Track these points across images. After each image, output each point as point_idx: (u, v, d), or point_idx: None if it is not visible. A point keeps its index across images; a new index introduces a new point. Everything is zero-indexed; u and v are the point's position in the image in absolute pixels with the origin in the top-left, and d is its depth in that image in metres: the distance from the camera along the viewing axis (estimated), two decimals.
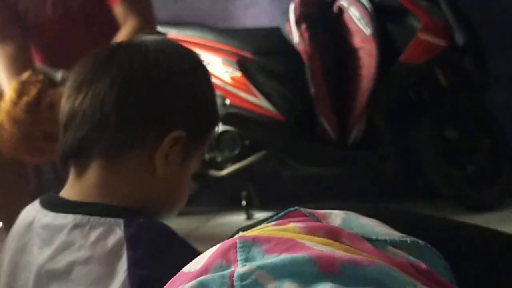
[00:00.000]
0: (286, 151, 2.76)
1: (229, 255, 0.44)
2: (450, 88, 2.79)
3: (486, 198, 2.79)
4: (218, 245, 0.46)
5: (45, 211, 0.80)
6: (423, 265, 0.50)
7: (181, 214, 0.90)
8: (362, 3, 2.74)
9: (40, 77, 1.63)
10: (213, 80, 0.90)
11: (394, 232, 0.56)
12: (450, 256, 0.56)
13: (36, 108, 1.54)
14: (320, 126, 2.72)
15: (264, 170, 2.86)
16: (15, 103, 1.53)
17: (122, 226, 0.73)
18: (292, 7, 2.81)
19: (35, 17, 1.89)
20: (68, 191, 0.82)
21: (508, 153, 2.84)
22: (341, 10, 2.86)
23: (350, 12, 2.79)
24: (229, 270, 0.42)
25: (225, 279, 0.41)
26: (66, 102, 0.81)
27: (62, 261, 0.74)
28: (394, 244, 0.53)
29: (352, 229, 0.53)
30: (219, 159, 2.82)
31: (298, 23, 2.75)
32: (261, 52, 2.79)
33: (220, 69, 2.76)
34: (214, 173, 2.83)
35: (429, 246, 0.55)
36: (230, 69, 2.75)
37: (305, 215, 0.57)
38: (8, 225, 1.61)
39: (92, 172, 0.80)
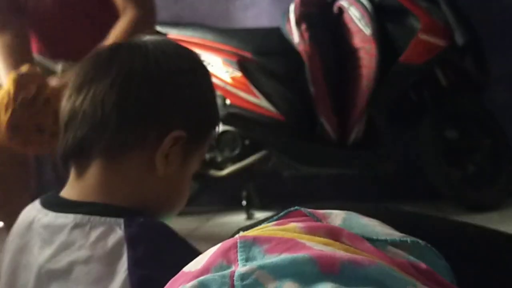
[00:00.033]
0: (286, 151, 2.76)
1: (229, 255, 0.44)
2: (450, 88, 2.79)
3: (486, 198, 2.79)
4: (219, 245, 0.46)
5: (45, 211, 0.80)
6: (424, 265, 0.50)
7: (181, 214, 0.90)
8: (362, 3, 2.74)
9: (38, 70, 1.63)
10: (214, 80, 0.90)
11: (394, 232, 0.56)
12: (450, 256, 0.56)
13: (33, 103, 1.55)
14: (320, 126, 2.72)
15: (264, 170, 2.86)
16: (13, 95, 1.53)
17: (122, 226, 0.73)
18: (292, 7, 2.81)
19: (35, 6, 1.87)
20: (69, 191, 0.82)
21: (508, 153, 2.84)
22: (341, 10, 2.86)
23: (350, 12, 2.79)
24: (229, 270, 0.42)
25: (226, 279, 0.41)
26: (66, 102, 0.82)
27: (63, 261, 0.74)
28: (395, 244, 0.53)
29: (352, 229, 0.53)
30: (219, 159, 2.82)
31: (298, 23, 2.75)
32: (261, 52, 2.79)
33: (221, 69, 2.76)
34: (214, 173, 2.83)
35: (430, 246, 0.55)
36: (230, 69, 2.75)
37: (306, 215, 0.57)
38: (9, 225, 1.61)
39: (93, 172, 0.80)
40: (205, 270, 0.44)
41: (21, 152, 1.66)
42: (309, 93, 2.71)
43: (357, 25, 2.76)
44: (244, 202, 2.87)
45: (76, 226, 0.75)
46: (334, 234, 0.49)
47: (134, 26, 1.74)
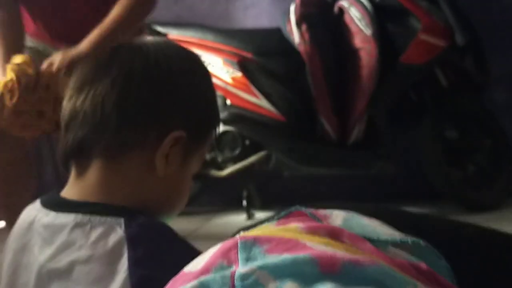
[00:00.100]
0: (286, 151, 2.76)
1: (230, 255, 0.44)
2: (450, 88, 2.79)
3: (486, 198, 2.79)
4: (219, 245, 0.46)
5: (46, 211, 0.81)
6: (424, 266, 0.50)
7: (182, 214, 0.90)
8: (362, 4, 2.74)
9: (30, 58, 1.64)
10: (214, 80, 0.90)
11: (395, 233, 0.56)
12: (450, 256, 0.56)
13: (35, 88, 1.57)
14: (321, 126, 2.72)
15: (264, 170, 2.86)
16: (16, 82, 1.55)
17: (122, 226, 0.73)
18: (292, 8, 2.81)
19: None
20: (69, 191, 0.82)
21: (508, 153, 2.84)
22: (341, 10, 2.87)
23: (350, 13, 2.79)
24: (230, 270, 0.42)
25: (226, 279, 0.41)
26: (67, 102, 0.82)
27: (63, 261, 0.74)
28: (395, 244, 0.53)
29: (353, 229, 0.53)
30: (219, 159, 2.82)
31: (298, 23, 2.75)
32: (262, 53, 2.79)
33: (221, 69, 2.76)
34: (215, 173, 2.83)
35: (430, 246, 0.55)
36: (231, 70, 2.75)
37: (306, 215, 0.57)
38: (11, 224, 1.61)
39: (93, 172, 0.80)
40: (205, 270, 0.44)
41: (16, 135, 1.67)
42: (310, 93, 2.71)
43: (357, 26, 2.76)
44: (244, 202, 2.87)
45: (76, 226, 0.75)
46: (334, 234, 0.50)
47: (132, 8, 1.72)
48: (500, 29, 2.99)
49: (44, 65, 1.63)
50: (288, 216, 0.58)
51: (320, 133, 2.73)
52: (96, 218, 0.75)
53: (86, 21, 1.74)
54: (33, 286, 0.78)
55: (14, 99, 1.55)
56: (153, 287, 0.62)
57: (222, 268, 0.43)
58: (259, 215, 2.85)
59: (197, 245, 0.76)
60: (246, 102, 2.74)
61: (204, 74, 0.88)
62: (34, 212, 0.83)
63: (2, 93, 1.56)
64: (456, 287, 0.53)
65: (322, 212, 0.58)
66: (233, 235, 0.52)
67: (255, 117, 2.74)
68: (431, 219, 0.76)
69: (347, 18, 2.82)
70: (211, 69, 2.68)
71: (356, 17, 2.76)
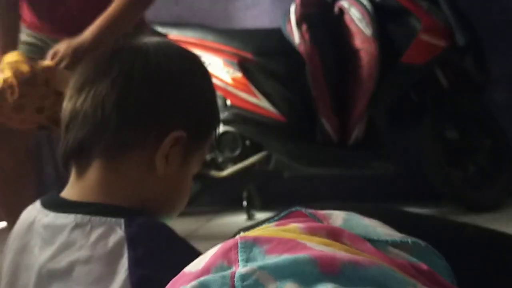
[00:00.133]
0: (286, 152, 2.76)
1: (230, 255, 0.44)
2: (450, 88, 2.79)
3: (486, 198, 2.79)
4: (219, 245, 0.47)
5: (46, 211, 0.81)
6: (424, 266, 0.50)
7: (182, 214, 0.90)
8: (362, 4, 2.74)
9: (23, 54, 1.64)
10: (214, 80, 0.90)
11: (395, 233, 0.56)
12: (450, 256, 0.56)
13: (34, 83, 1.57)
14: (321, 127, 2.72)
15: (265, 170, 2.86)
16: (15, 79, 1.55)
17: (122, 226, 0.73)
18: (293, 8, 2.82)
19: None
20: (69, 191, 0.82)
21: (508, 153, 2.84)
22: (341, 11, 2.87)
23: (350, 13, 2.79)
24: (230, 271, 0.42)
25: (226, 280, 0.41)
26: (68, 102, 0.82)
27: (63, 261, 0.74)
28: (395, 245, 0.53)
29: (353, 229, 0.53)
30: (220, 159, 2.82)
31: (299, 24, 2.75)
32: (262, 53, 2.79)
33: (221, 69, 2.76)
34: (215, 173, 2.83)
35: (430, 246, 0.55)
36: (231, 70, 2.75)
37: (306, 216, 0.57)
38: (11, 225, 1.61)
39: (93, 172, 0.80)
40: (205, 271, 0.44)
41: (13, 127, 1.67)
42: (310, 93, 2.71)
43: (357, 26, 2.76)
44: (244, 203, 2.87)
45: (76, 226, 0.75)
46: (334, 235, 0.50)
47: (133, 1, 1.72)
48: (500, 29, 2.99)
49: (49, 54, 1.63)
50: (288, 217, 0.58)
51: (320, 133, 2.73)
52: (96, 219, 0.75)
53: (87, 11, 1.74)
54: (33, 286, 0.78)
55: (15, 95, 1.56)
56: (153, 287, 0.62)
57: (222, 268, 0.43)
58: (259, 215, 2.85)
59: (197, 245, 0.76)
60: (246, 103, 2.74)
61: (204, 74, 0.88)
62: (34, 212, 0.83)
63: (3, 88, 1.56)
64: None
65: (322, 212, 0.58)
66: (233, 235, 0.52)
67: (255, 117, 2.74)
68: (431, 219, 0.76)
69: (347, 19, 2.82)
70: (211, 69, 2.68)
71: (356, 17, 2.76)
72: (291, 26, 2.79)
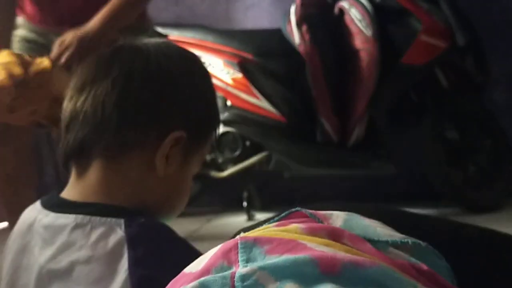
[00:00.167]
0: (287, 152, 2.76)
1: (230, 255, 0.44)
2: (450, 88, 2.79)
3: (486, 198, 2.80)
4: (219, 245, 0.47)
5: (46, 212, 0.81)
6: (425, 266, 0.50)
7: (182, 214, 0.90)
8: (362, 5, 2.74)
9: (16, 57, 1.64)
10: (214, 81, 0.90)
11: (395, 233, 0.56)
12: (450, 256, 0.56)
13: (26, 84, 1.57)
14: (321, 127, 2.73)
15: (265, 171, 2.86)
16: (8, 79, 1.55)
17: (123, 226, 0.73)
18: (293, 9, 2.82)
19: None
20: (69, 191, 0.82)
21: (508, 154, 2.84)
22: (342, 11, 2.87)
23: (351, 14, 2.79)
24: (230, 271, 0.42)
25: (226, 280, 0.41)
26: (68, 103, 0.82)
27: (63, 261, 0.75)
28: (396, 245, 0.53)
29: (353, 230, 0.53)
30: (220, 160, 2.82)
31: (299, 24, 2.75)
32: (262, 54, 2.79)
33: (221, 70, 2.76)
34: (215, 174, 2.83)
35: (430, 247, 0.55)
36: (231, 71, 2.75)
37: (307, 216, 0.57)
38: (12, 225, 1.61)
39: (93, 172, 0.80)
40: (205, 271, 0.44)
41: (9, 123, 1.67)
42: (310, 94, 2.71)
43: (357, 26, 2.76)
44: (244, 203, 2.87)
45: (76, 226, 0.75)
46: (335, 235, 0.50)
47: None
48: (500, 29, 2.99)
49: (56, 44, 1.63)
50: (288, 217, 0.58)
51: (320, 133, 2.73)
52: (96, 219, 0.75)
53: (91, 2, 1.73)
54: (33, 286, 0.78)
55: (8, 96, 1.55)
56: (153, 287, 0.62)
57: (222, 268, 0.43)
58: (260, 216, 2.85)
59: (197, 245, 0.76)
60: (246, 103, 2.74)
61: (204, 75, 0.89)
62: (34, 213, 0.83)
63: None
64: None
65: (322, 213, 0.58)
66: (234, 236, 0.52)
67: (255, 118, 2.74)
68: (431, 219, 0.76)
69: (347, 19, 2.82)
70: (211, 70, 2.69)
71: (357, 17, 2.76)
72: (291, 26, 2.79)
